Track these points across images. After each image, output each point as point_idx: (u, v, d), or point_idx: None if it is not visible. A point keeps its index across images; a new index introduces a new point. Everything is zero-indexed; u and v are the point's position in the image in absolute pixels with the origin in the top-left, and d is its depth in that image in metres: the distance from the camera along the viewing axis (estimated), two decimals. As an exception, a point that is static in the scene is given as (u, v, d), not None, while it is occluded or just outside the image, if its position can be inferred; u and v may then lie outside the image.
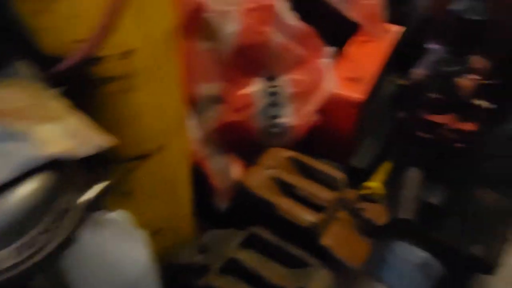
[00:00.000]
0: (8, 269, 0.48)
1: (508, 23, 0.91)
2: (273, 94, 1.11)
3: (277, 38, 1.09)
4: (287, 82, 1.12)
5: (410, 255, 1.11)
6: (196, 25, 0.99)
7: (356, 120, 1.18)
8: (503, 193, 1.18)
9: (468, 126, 0.96)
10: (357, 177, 1.18)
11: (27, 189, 0.51)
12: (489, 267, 1.02)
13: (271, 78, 1.12)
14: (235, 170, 1.15)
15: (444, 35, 0.97)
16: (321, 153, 1.28)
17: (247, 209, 1.06)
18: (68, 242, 0.53)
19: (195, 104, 1.07)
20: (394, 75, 1.24)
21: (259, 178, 1.05)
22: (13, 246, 0.49)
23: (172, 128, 0.81)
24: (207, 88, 1.07)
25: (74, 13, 0.61)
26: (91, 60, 0.63)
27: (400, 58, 1.23)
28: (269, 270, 0.92)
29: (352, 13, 1.25)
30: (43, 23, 0.61)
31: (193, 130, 1.06)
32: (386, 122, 1.22)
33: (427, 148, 1.04)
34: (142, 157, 0.79)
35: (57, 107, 0.58)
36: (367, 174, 1.18)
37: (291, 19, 1.14)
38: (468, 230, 1.08)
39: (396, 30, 1.31)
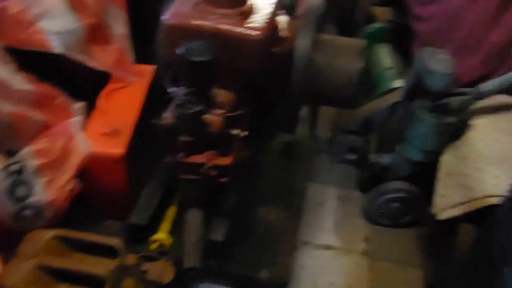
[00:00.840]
0: None
1: (235, 58, 0.95)
2: (16, 172, 0.96)
3: (4, 107, 0.95)
4: (31, 154, 0.98)
5: (215, 293, 1.09)
6: None
7: (125, 175, 1.10)
8: (282, 205, 1.25)
9: (225, 160, 0.98)
10: (142, 232, 1.11)
11: None
12: (280, 285, 1.06)
13: (10, 154, 0.97)
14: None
15: (181, 77, 0.96)
16: (100, 217, 1.18)
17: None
18: None
19: None
20: (159, 117, 1.20)
21: (21, 272, 0.91)
22: None
23: None
24: None
25: None
26: None
27: (160, 98, 1.19)
28: None
29: (97, 63, 1.16)
30: None
31: None
32: (161, 168, 1.17)
33: (196, 188, 1.03)
34: None
35: None
36: (151, 227, 1.11)
37: (21, 83, 1.00)
38: (256, 255, 1.11)
39: (149, 70, 1.27)
